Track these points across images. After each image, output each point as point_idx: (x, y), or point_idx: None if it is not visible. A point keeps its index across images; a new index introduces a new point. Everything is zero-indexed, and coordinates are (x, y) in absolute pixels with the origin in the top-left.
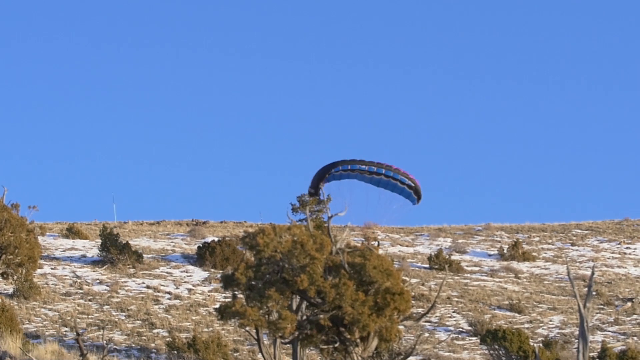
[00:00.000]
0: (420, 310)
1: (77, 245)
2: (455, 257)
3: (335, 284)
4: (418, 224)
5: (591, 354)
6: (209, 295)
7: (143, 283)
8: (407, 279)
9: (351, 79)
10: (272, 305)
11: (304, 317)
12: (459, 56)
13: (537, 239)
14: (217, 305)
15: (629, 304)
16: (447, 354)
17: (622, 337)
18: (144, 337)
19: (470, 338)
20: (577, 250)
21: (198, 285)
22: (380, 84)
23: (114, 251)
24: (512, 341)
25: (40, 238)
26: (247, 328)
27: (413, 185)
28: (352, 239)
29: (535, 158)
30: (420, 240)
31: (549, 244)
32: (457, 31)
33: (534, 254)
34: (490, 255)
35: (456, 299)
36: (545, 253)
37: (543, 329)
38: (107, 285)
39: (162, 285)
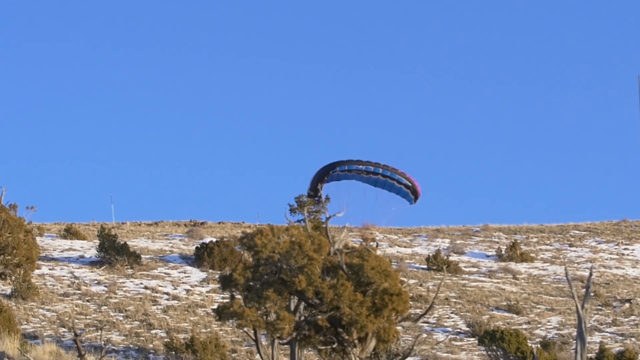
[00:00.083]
0: (418, 311)
1: (75, 245)
2: (453, 257)
3: (333, 285)
4: (416, 224)
5: (589, 355)
6: (207, 296)
7: (141, 284)
8: (405, 279)
9: (349, 79)
10: (270, 306)
11: (302, 318)
12: (458, 57)
13: (535, 239)
14: (215, 306)
15: (627, 304)
16: (445, 354)
17: (620, 338)
18: (142, 338)
19: (468, 339)
20: (575, 251)
21: (196, 285)
22: (378, 85)
23: (112, 252)
24: (510, 342)
25: (38, 239)
26: (245, 329)
27: (410, 184)
28: (350, 239)
29: (534, 159)
30: (418, 241)
31: (547, 244)
32: (453, 32)
33: (532, 254)
34: (488, 256)
35: (454, 300)
36: (543, 254)
37: (541, 329)
38: (105, 286)
39: (160, 285)
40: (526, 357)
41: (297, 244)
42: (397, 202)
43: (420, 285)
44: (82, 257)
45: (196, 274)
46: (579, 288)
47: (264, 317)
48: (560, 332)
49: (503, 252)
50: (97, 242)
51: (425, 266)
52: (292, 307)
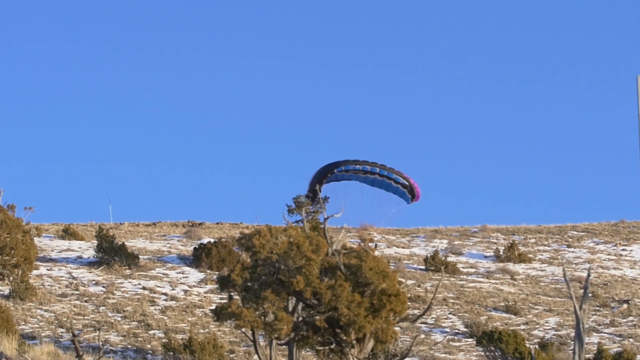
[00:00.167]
0: (416, 311)
1: (73, 246)
2: (451, 258)
3: (331, 286)
4: (414, 225)
5: (587, 356)
6: (205, 297)
7: (139, 284)
8: (403, 280)
9: (348, 80)
10: (268, 306)
11: (300, 319)
12: (457, 57)
13: (533, 240)
14: (213, 307)
15: (625, 305)
16: (443, 355)
17: (618, 338)
18: (140, 339)
19: (466, 339)
20: (573, 252)
21: (194, 286)
22: (376, 85)
23: (110, 252)
24: (508, 343)
25: (36, 239)
26: (243, 329)
27: (407, 184)
28: (348, 240)
29: (532, 160)
30: (416, 242)
31: (545, 245)
32: (452, 32)
33: (530, 255)
34: (486, 257)
35: (452, 301)
36: (541, 255)
37: (539, 330)
38: (103, 287)
39: (158, 286)
40: (524, 358)
41: (295, 245)
42: (395, 201)
43: (418, 286)
44: (80, 257)
45: (194, 275)
46: (577, 289)
47: (262, 317)
48: (558, 332)
49: (501, 253)
50: (95, 242)
51: (423, 267)
52: (290, 308)
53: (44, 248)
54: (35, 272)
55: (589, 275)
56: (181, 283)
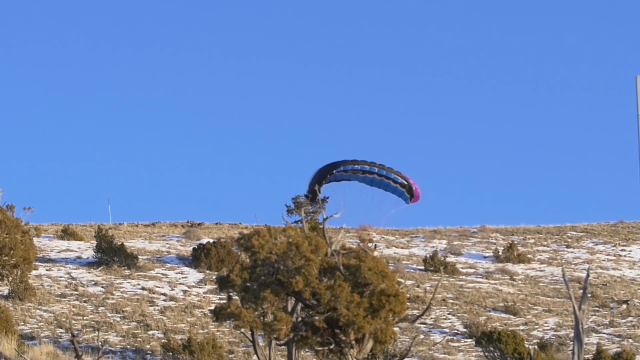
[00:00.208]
0: (415, 312)
1: (72, 246)
2: (451, 259)
3: (331, 286)
4: (413, 225)
5: (586, 356)
6: (204, 297)
7: (138, 284)
8: (402, 280)
9: (347, 80)
10: (267, 306)
11: (299, 319)
12: (456, 57)
13: (532, 241)
14: (212, 307)
15: (624, 306)
16: (442, 355)
17: (617, 339)
18: (139, 339)
19: (466, 340)
20: (572, 252)
21: (193, 286)
22: (376, 85)
23: (109, 253)
24: (508, 343)
25: (35, 239)
26: (242, 330)
27: (406, 183)
28: (347, 240)
29: (531, 160)
30: (415, 242)
31: (544, 246)
32: (450, 32)
33: (529, 256)
34: (485, 257)
35: (451, 301)
36: (540, 255)
37: (538, 331)
38: (102, 287)
39: (157, 286)
40: (523, 359)
41: (295, 245)
42: (394, 201)
43: (418, 286)
44: (79, 258)
45: (193, 275)
46: (576, 289)
47: (261, 318)
48: (558, 333)
49: (500, 253)
50: (94, 243)
51: (422, 267)
52: (289, 308)
53: (43, 248)
54: (34, 272)
55: (588, 275)
56: (180, 283)
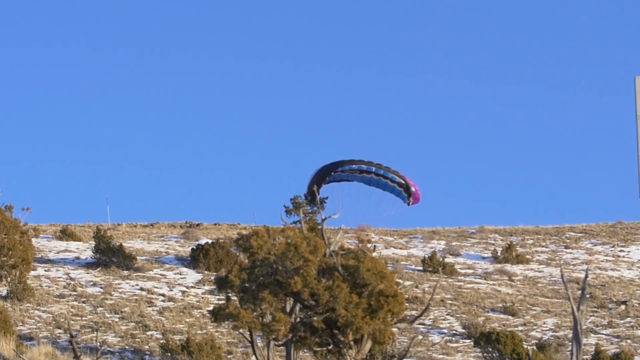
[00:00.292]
0: (414, 312)
1: (70, 247)
2: (449, 259)
3: (329, 287)
4: (412, 226)
5: (585, 357)
6: (202, 298)
7: (137, 285)
8: (400, 281)
9: (347, 80)
10: (266, 307)
11: (298, 320)
12: (455, 58)
13: (530, 241)
14: (211, 308)
15: (623, 306)
16: (440, 356)
17: (616, 339)
18: (138, 339)
19: (464, 340)
20: (570, 253)
21: (192, 287)
22: (375, 86)
23: (108, 253)
24: (506, 344)
25: (34, 240)
26: (241, 330)
27: (403, 182)
28: (346, 241)
29: (530, 161)
30: (414, 243)
31: (543, 246)
32: (450, 32)
33: (528, 256)
34: (484, 258)
35: (450, 302)
36: (539, 256)
37: (537, 331)
38: (101, 287)
39: (155, 287)
40: (522, 359)
41: (293, 246)
42: (392, 201)
43: (416, 287)
44: (77, 258)
45: (192, 276)
46: (575, 290)
47: (260, 318)
48: (556, 334)
49: (499, 254)
50: (93, 243)
51: (420, 268)
52: (288, 309)
53: (42, 249)
54: (32, 273)
55: (586, 276)
56: (179, 284)
